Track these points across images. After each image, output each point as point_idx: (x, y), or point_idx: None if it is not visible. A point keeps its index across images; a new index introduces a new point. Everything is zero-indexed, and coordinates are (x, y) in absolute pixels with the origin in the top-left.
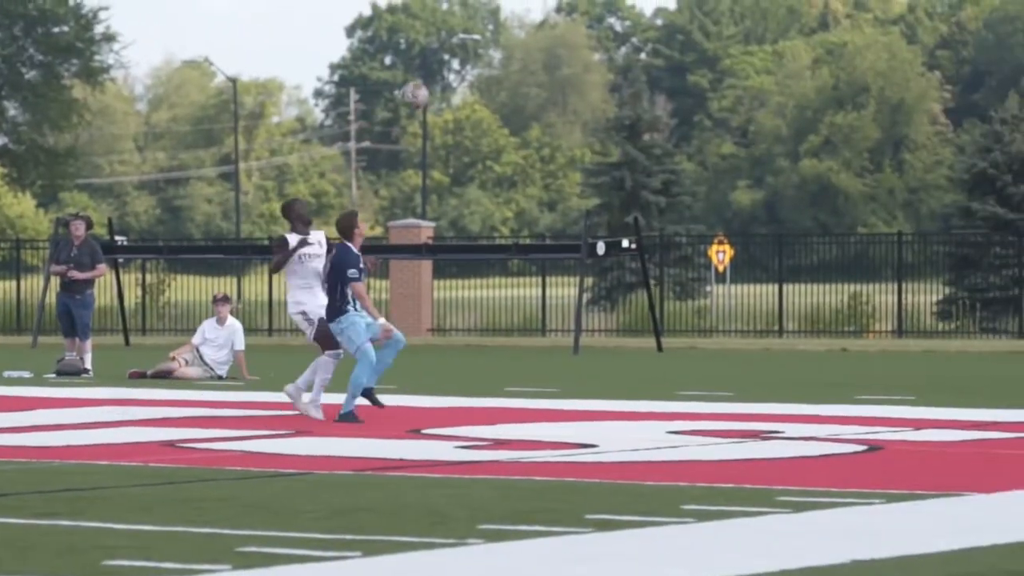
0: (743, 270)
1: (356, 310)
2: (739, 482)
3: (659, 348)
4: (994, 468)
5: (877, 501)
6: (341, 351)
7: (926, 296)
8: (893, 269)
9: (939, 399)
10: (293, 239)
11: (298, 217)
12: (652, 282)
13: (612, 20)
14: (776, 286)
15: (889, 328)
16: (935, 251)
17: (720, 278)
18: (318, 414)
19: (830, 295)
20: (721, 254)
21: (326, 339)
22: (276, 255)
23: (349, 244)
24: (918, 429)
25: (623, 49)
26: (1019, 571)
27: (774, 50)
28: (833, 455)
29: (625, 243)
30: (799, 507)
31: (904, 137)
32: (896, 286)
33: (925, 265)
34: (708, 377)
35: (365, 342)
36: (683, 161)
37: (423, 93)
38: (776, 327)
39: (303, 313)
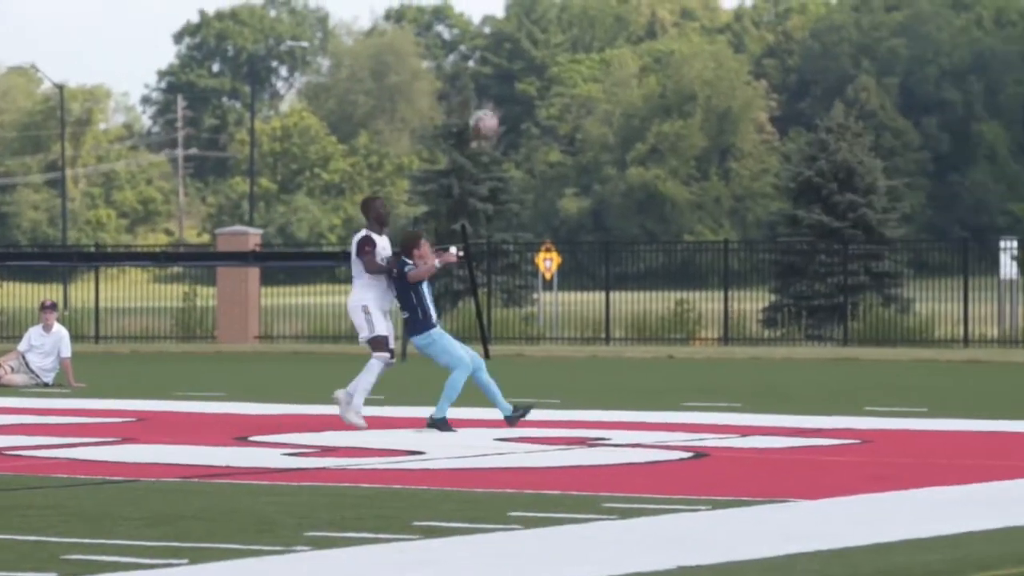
0: (570, 277)
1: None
2: (566, 489)
3: (487, 355)
4: (818, 475)
5: (703, 508)
6: (392, 357)
7: (752, 304)
8: (719, 277)
9: (764, 406)
10: (382, 244)
11: (377, 217)
12: (480, 289)
13: (440, 28)
14: (603, 293)
15: (715, 335)
16: (761, 259)
17: (547, 285)
18: (359, 421)
19: (657, 302)
20: (548, 262)
21: (379, 341)
22: (366, 255)
23: (406, 259)
24: (744, 436)
25: (451, 57)
26: None
27: (601, 58)
28: (659, 462)
29: (452, 250)
30: (625, 514)
31: (730, 145)
32: (722, 294)
33: (751, 273)
34: (535, 384)
35: (458, 349)
36: (511, 169)
37: (493, 123)
38: (603, 334)
39: (365, 308)
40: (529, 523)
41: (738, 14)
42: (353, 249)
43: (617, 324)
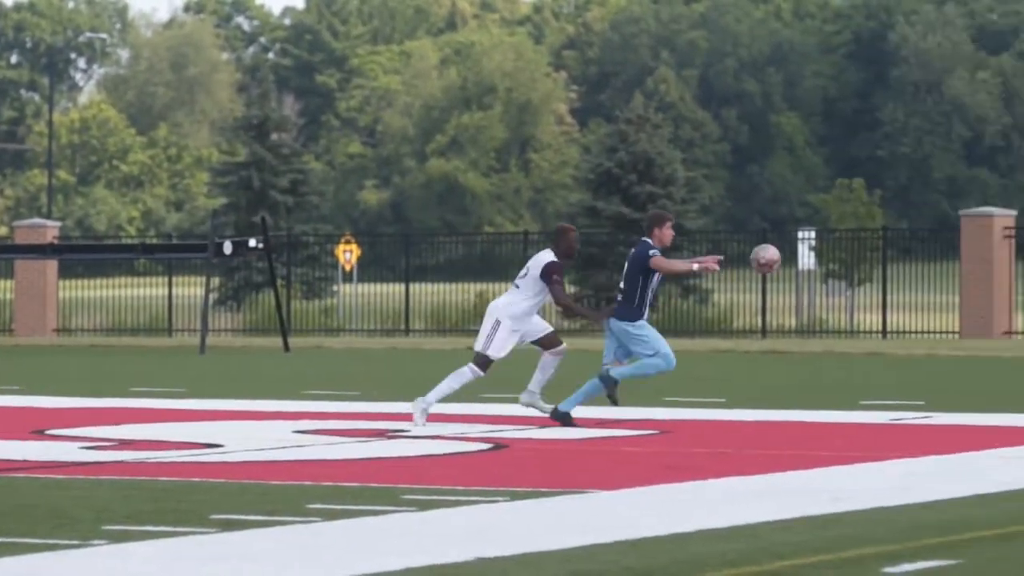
0: (370, 269)
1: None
2: (365, 481)
3: (286, 348)
4: (616, 465)
5: (502, 499)
6: (565, 347)
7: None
8: (519, 268)
9: (563, 397)
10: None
11: (568, 251)
12: (279, 282)
13: (240, 19)
14: (403, 285)
15: None
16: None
17: (347, 277)
18: (541, 405)
19: (456, 294)
20: (348, 254)
21: (485, 362)
22: (556, 284)
23: (648, 240)
24: (542, 427)
25: (251, 49)
26: (638, 567)
27: (402, 50)
28: (458, 453)
29: (252, 243)
30: (424, 505)
31: (530, 137)
32: None
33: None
34: (334, 376)
35: (664, 346)
36: (311, 161)
37: (771, 256)
38: (403, 326)
39: (499, 324)
40: (328, 515)
41: (538, 6)
42: (538, 269)
43: (417, 316)
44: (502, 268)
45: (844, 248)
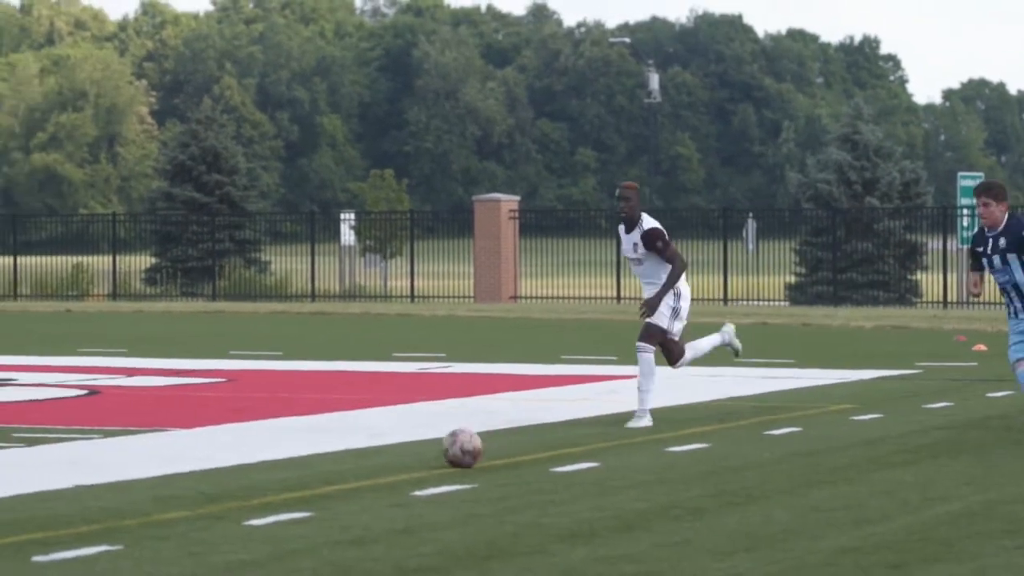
0: None
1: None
2: None
3: None
4: (192, 408)
5: (96, 436)
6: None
7: (136, 265)
8: (109, 243)
9: (147, 351)
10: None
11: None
12: None
13: None
14: (12, 258)
15: (105, 292)
16: (144, 228)
17: None
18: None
19: (57, 265)
20: None
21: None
22: (671, 247)
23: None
24: (130, 376)
25: None
26: (212, 492)
27: (7, 61)
28: (59, 398)
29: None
30: (31, 442)
31: (117, 134)
32: (111, 257)
33: (135, 240)
34: None
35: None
36: None
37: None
38: (12, 292)
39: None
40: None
41: (123, 24)
42: (641, 241)
43: (24, 283)
44: (95, 243)
45: (379, 227)
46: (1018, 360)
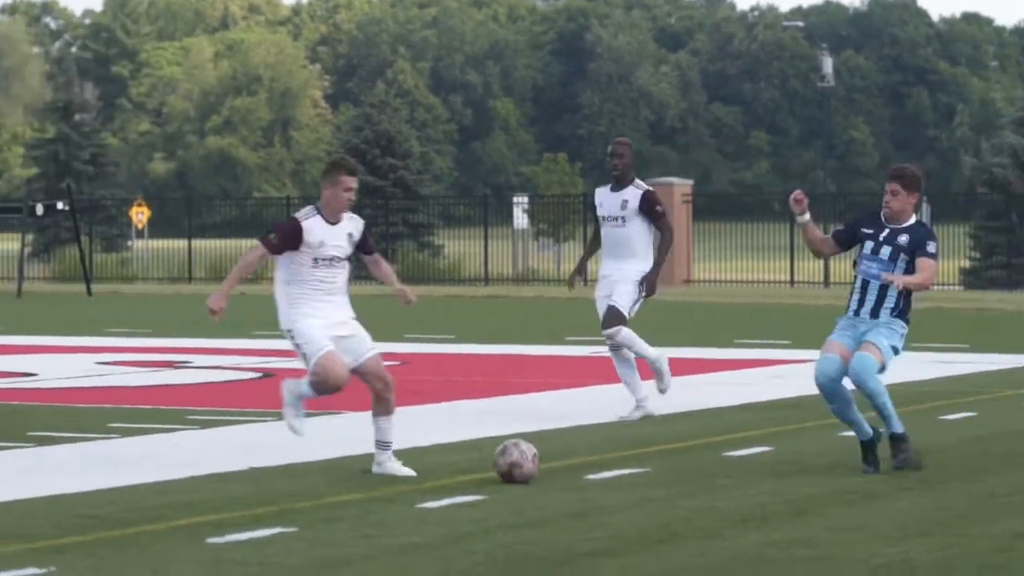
0: (158, 227)
1: None
2: (156, 404)
3: (89, 293)
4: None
5: (270, 419)
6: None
7: None
8: None
9: None
10: None
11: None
12: (83, 237)
13: (48, 19)
14: (186, 241)
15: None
16: None
17: (140, 234)
18: None
19: (231, 248)
20: (140, 214)
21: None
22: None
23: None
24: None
25: (57, 43)
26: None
27: (182, 45)
28: (234, 381)
29: (60, 205)
30: (205, 424)
31: (291, 118)
32: None
33: None
34: (131, 317)
35: None
36: (108, 137)
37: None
38: (187, 275)
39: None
40: (125, 432)
41: (296, 9)
42: (640, 202)
43: (198, 266)
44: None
45: (552, 211)
46: (834, 343)
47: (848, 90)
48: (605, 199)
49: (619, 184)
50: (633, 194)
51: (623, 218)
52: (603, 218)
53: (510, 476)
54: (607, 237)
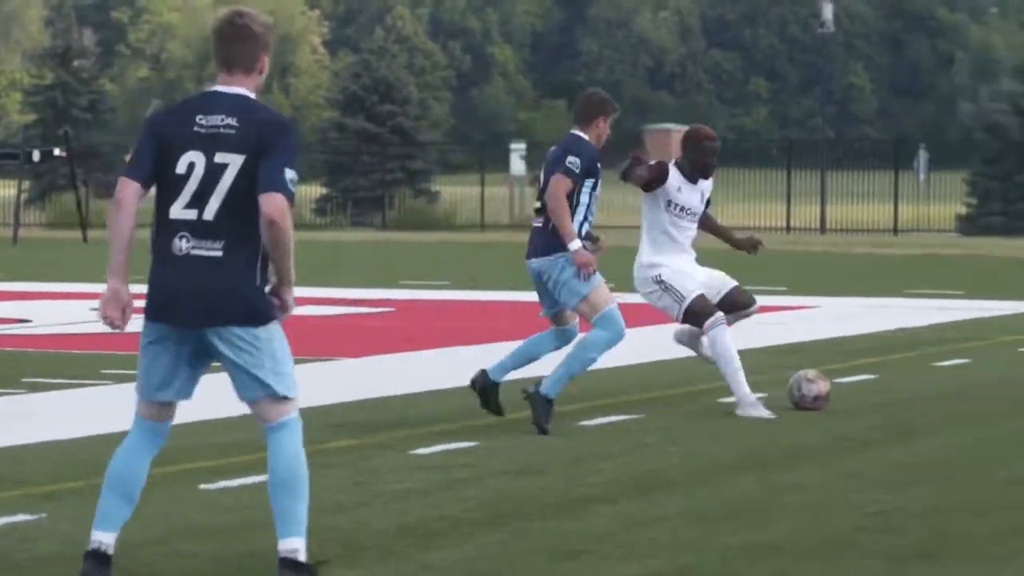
0: None
1: None
2: None
3: (85, 239)
4: (361, 337)
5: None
6: None
7: (307, 195)
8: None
9: (317, 280)
10: None
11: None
12: (79, 184)
13: None
14: None
15: None
16: (315, 158)
17: None
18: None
19: None
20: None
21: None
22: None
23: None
24: (301, 306)
25: None
26: (379, 421)
27: None
28: None
29: (57, 151)
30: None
31: (290, 64)
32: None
33: (307, 170)
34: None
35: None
36: (106, 83)
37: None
38: None
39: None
40: (118, 379)
41: None
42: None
43: None
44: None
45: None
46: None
47: (847, 36)
48: (685, 189)
49: (703, 174)
50: (710, 187)
51: (694, 216)
52: (682, 208)
53: (814, 406)
54: (678, 236)
